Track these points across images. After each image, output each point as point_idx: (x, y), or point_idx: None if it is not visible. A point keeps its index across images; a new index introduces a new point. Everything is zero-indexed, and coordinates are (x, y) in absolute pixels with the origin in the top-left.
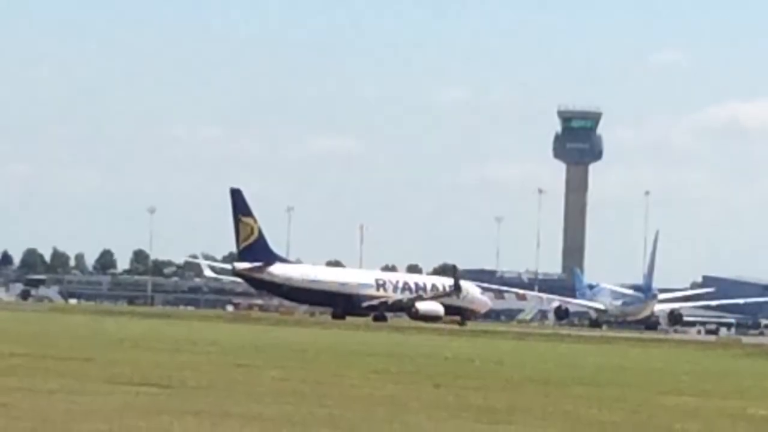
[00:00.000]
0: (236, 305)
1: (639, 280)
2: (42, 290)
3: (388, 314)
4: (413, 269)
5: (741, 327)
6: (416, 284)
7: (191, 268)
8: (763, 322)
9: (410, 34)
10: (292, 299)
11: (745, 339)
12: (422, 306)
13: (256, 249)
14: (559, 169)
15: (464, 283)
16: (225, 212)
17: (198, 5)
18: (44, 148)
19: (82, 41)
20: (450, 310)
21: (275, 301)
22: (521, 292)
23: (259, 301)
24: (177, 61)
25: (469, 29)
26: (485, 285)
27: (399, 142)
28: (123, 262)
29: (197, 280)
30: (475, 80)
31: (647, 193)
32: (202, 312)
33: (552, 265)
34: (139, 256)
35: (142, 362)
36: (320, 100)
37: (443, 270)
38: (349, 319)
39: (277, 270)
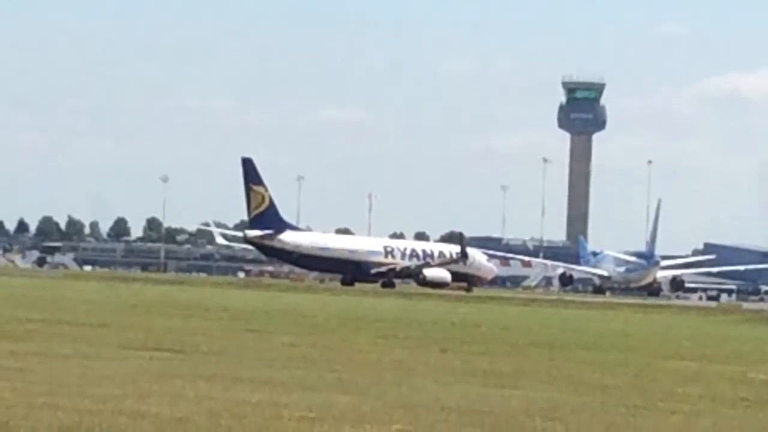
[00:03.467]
0: (247, 272)
1: (642, 248)
2: (57, 257)
3: (396, 281)
4: (421, 237)
5: (741, 293)
6: (424, 251)
7: (203, 235)
8: (763, 288)
9: (418, 5)
10: (302, 266)
11: (745, 305)
12: (429, 272)
13: (266, 217)
14: (564, 138)
15: (471, 251)
16: (236, 181)
17: None
18: (59, 118)
19: (95, 12)
20: (457, 276)
21: (286, 267)
22: (526, 259)
23: (270, 268)
24: (188, 33)
25: (476, 1)
26: (491, 252)
27: (407, 112)
28: (137, 230)
29: (209, 247)
30: (481, 51)
31: (650, 162)
32: (214, 278)
33: (557, 233)
34: (153, 223)
35: (156, 328)
36: (329, 71)
37: (450, 237)
38: (357, 285)
39: (288, 237)
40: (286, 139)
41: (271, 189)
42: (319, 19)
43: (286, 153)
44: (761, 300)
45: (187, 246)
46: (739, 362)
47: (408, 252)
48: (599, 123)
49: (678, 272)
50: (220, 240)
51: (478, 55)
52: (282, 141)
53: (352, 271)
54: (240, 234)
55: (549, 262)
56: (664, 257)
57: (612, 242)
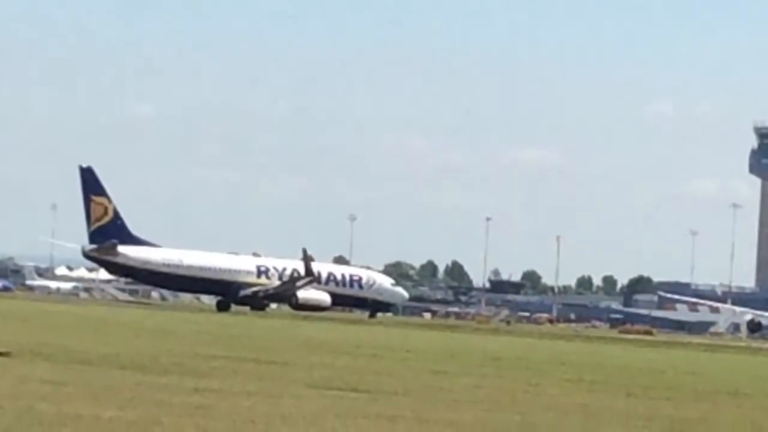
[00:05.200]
0: None
1: None
2: None
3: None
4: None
5: None
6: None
7: None
8: None
9: (618, 47)
10: (151, 284)
11: None
12: (303, 294)
13: (110, 230)
14: (755, 184)
15: (373, 274)
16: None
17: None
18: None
19: (291, 52)
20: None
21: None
22: (715, 305)
23: None
24: (385, 72)
25: (673, 47)
26: (677, 297)
27: (599, 155)
28: None
29: None
30: (675, 96)
31: None
32: None
33: (746, 279)
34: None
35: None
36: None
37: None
38: None
39: (133, 252)
40: (479, 180)
41: (460, 229)
42: (517, 61)
43: (477, 193)
44: None
45: None
46: None
47: (278, 272)
48: None
49: None
50: None
51: (671, 101)
52: (474, 181)
53: (216, 291)
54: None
55: (737, 309)
56: None
57: None
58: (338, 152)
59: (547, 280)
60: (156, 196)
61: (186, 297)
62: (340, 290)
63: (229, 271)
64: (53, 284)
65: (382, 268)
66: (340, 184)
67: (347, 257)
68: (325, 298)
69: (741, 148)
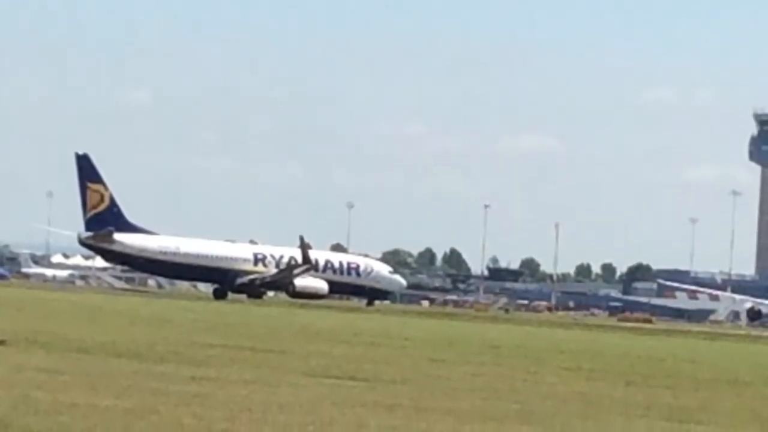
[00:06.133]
0: None
1: None
2: None
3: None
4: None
5: None
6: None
7: None
8: None
9: (617, 33)
10: (148, 271)
11: None
12: (300, 282)
13: (107, 217)
14: (754, 171)
15: (371, 262)
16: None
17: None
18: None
19: (287, 37)
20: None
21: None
22: (714, 292)
23: None
24: (381, 59)
25: (673, 33)
26: (677, 285)
27: (599, 142)
28: None
29: None
30: (674, 83)
31: None
32: None
33: (746, 267)
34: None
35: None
36: (523, 98)
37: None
38: None
39: (129, 240)
40: (477, 167)
41: (457, 215)
42: (516, 47)
43: (475, 180)
44: None
45: None
46: None
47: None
48: None
49: None
50: None
51: (671, 87)
52: (473, 168)
53: (213, 279)
54: None
55: (737, 296)
56: None
57: None
58: (336, 139)
59: (546, 267)
60: (152, 183)
61: (183, 285)
62: (337, 278)
63: (226, 258)
64: (49, 272)
65: (379, 255)
66: (338, 171)
67: (345, 245)
68: (322, 285)
69: (741, 135)
